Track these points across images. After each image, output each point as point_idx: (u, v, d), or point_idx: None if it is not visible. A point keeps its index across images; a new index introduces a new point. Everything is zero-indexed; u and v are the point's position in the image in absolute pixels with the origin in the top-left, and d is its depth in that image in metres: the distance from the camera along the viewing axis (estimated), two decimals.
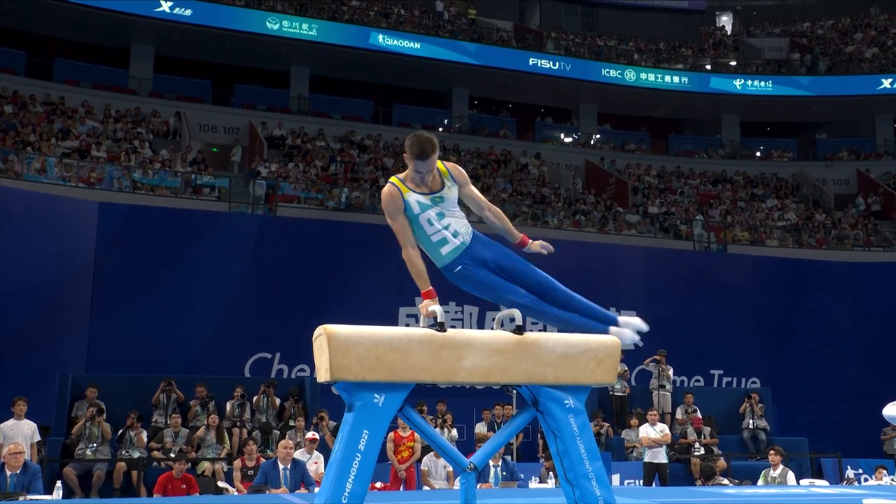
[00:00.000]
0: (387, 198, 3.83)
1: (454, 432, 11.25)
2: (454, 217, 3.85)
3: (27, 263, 11.65)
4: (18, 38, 20.65)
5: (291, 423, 10.73)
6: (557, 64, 24.53)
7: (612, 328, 3.94)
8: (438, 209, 3.81)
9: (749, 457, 12.55)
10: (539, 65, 24.31)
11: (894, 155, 25.33)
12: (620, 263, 15.82)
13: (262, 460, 9.06)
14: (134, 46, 21.81)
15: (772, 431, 13.11)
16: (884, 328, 15.93)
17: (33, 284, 11.70)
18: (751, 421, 12.94)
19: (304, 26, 22.13)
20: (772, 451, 10.10)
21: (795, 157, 26.03)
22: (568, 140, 25.56)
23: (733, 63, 27.32)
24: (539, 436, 11.71)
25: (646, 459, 10.87)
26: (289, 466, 8.42)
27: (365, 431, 3.47)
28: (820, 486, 9.51)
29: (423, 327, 3.66)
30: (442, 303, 3.68)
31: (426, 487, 9.62)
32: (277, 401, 11.19)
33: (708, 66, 26.71)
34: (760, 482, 9.97)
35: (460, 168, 3.95)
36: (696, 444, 11.92)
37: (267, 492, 8.07)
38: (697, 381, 15.27)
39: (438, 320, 3.63)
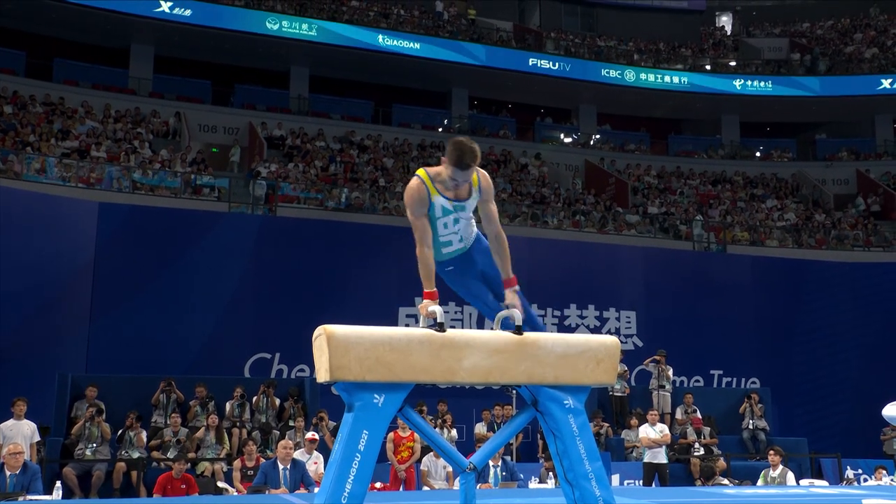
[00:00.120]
0: (414, 194, 3.77)
1: (454, 432, 11.25)
2: (466, 222, 3.88)
3: (27, 263, 11.65)
4: (18, 38, 20.65)
5: (291, 423, 10.73)
6: (557, 64, 24.54)
7: None
8: (456, 215, 3.83)
9: (749, 457, 12.55)
10: (539, 65, 24.32)
11: (894, 155, 25.34)
12: (620, 264, 15.82)
13: (262, 460, 9.06)
14: (134, 46, 21.80)
15: (771, 432, 13.12)
16: (883, 328, 15.93)
17: (33, 284, 11.70)
18: (750, 421, 12.94)
19: (304, 26, 22.14)
20: (771, 452, 10.10)
21: (795, 158, 26.03)
22: (568, 140, 25.56)
23: (733, 63, 27.33)
24: (539, 436, 11.71)
25: (645, 460, 10.87)
26: (288, 467, 8.42)
27: (364, 432, 3.47)
28: (819, 486, 9.51)
29: (423, 327, 3.66)
30: (441, 303, 3.68)
31: (426, 488, 9.62)
32: (277, 401, 11.18)
33: (708, 67, 26.71)
34: (760, 482, 9.97)
35: (490, 182, 3.91)
36: (696, 445, 11.93)
37: (266, 492, 8.07)
38: (697, 381, 15.27)
39: (438, 320, 3.63)
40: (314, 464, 9.06)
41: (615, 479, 10.77)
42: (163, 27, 21.09)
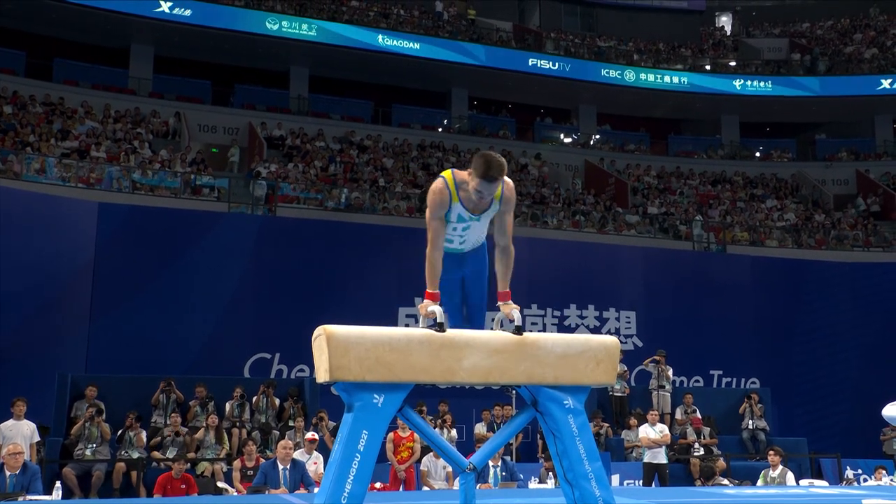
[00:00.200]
0: (436, 195, 3.77)
1: (453, 433, 11.25)
2: (478, 230, 3.91)
3: (27, 264, 11.65)
4: (18, 38, 20.65)
5: (291, 423, 10.73)
6: (557, 64, 24.54)
7: None
8: (469, 223, 3.84)
9: (748, 457, 12.55)
10: (538, 65, 24.32)
11: (894, 155, 25.34)
12: (620, 264, 15.82)
13: (262, 461, 9.06)
14: (133, 47, 21.80)
15: (771, 432, 13.12)
16: (883, 328, 15.93)
17: (33, 285, 11.70)
18: (750, 421, 12.94)
19: (304, 27, 22.14)
20: (771, 452, 10.10)
21: (795, 158, 26.04)
22: (567, 140, 25.57)
23: (733, 63, 27.33)
24: (538, 436, 11.71)
25: (645, 460, 10.87)
26: (288, 467, 8.42)
27: (364, 432, 3.47)
28: (819, 486, 9.51)
29: (423, 328, 3.66)
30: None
31: (426, 488, 9.62)
32: (277, 401, 11.18)
33: (707, 67, 26.72)
34: (760, 482, 9.97)
35: (514, 194, 3.90)
36: (696, 445, 11.93)
37: (266, 492, 8.07)
38: (697, 381, 15.27)
39: (438, 321, 3.63)
40: (314, 464, 9.06)
41: (615, 479, 10.77)
42: (163, 27, 21.08)
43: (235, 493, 8.87)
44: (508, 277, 3.89)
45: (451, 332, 3.65)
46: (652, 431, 10.87)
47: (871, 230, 21.62)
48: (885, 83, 24.96)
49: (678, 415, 12.72)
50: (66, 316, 12.18)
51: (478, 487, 4.64)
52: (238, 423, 10.81)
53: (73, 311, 12.22)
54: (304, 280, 13.31)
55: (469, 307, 4.14)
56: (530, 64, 24.26)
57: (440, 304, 3.72)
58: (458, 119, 24.61)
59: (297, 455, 8.91)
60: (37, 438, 9.16)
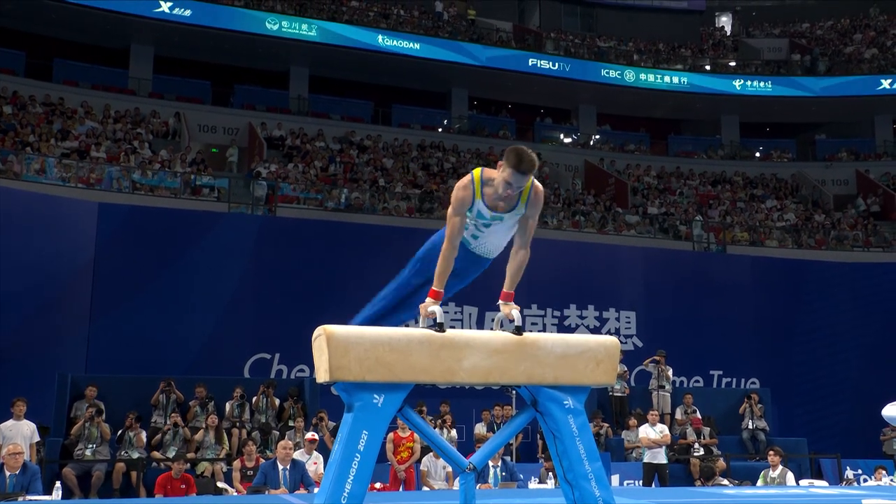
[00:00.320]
0: (460, 192, 3.72)
1: (453, 433, 11.25)
2: (499, 232, 3.82)
3: (27, 264, 11.65)
4: (18, 38, 20.65)
5: (291, 423, 10.73)
6: (557, 64, 24.54)
7: None
8: (490, 221, 3.77)
9: (748, 457, 12.55)
10: (538, 65, 24.32)
11: (893, 156, 25.34)
12: (620, 264, 15.83)
13: (262, 461, 9.05)
14: (133, 47, 21.80)
15: (771, 432, 13.12)
16: (883, 329, 15.94)
17: (33, 285, 11.70)
18: (750, 421, 12.94)
19: (304, 27, 22.14)
20: (771, 452, 10.10)
21: (795, 158, 26.04)
22: (567, 140, 25.56)
23: (733, 63, 27.33)
24: (538, 436, 11.71)
25: (645, 460, 10.87)
26: (288, 467, 8.42)
27: (364, 432, 3.47)
28: (819, 486, 9.50)
29: (423, 328, 3.66)
30: (441, 303, 3.68)
31: (425, 488, 9.62)
32: (277, 401, 11.18)
33: (707, 67, 26.72)
34: (760, 483, 9.97)
35: (541, 199, 3.81)
36: (696, 445, 11.93)
37: (266, 492, 8.07)
38: (697, 381, 15.28)
39: (438, 321, 3.63)
40: (314, 464, 9.06)
41: (615, 479, 10.77)
42: (162, 27, 21.08)
43: (235, 494, 8.87)
44: (517, 281, 3.84)
45: (451, 333, 3.65)
46: (652, 432, 10.87)
47: (870, 230, 21.62)
48: (885, 83, 24.96)
49: (678, 415, 12.72)
50: (66, 316, 12.18)
51: (478, 487, 4.64)
52: (238, 424, 10.81)
53: (73, 311, 12.22)
54: (304, 280, 13.31)
55: (422, 293, 3.90)
56: (530, 64, 24.26)
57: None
58: (458, 119, 24.61)
59: (297, 455, 8.91)
60: (37, 438, 9.16)
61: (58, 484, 7.93)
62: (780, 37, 30.08)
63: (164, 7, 20.74)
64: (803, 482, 10.20)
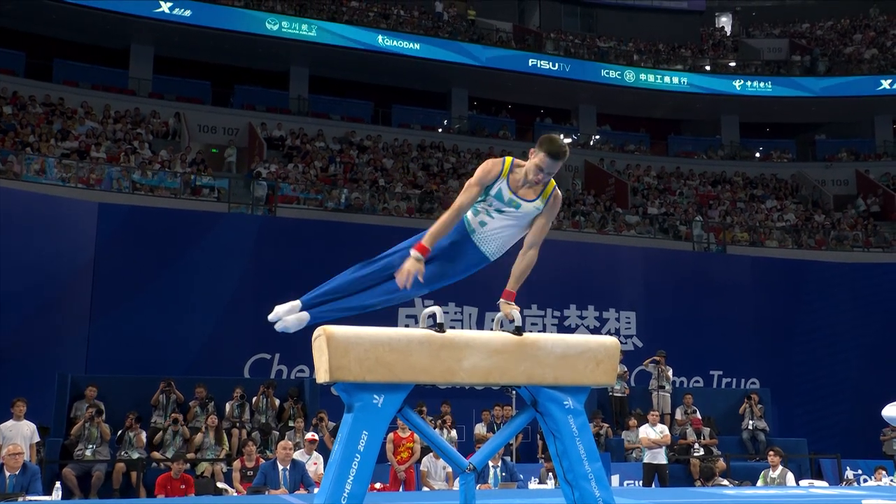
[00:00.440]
0: (488, 165, 3.73)
1: (453, 433, 11.25)
2: (503, 229, 3.75)
3: (27, 264, 11.65)
4: (18, 38, 20.65)
5: (291, 423, 10.73)
6: (557, 65, 24.55)
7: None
8: (505, 206, 3.73)
9: (748, 457, 12.55)
10: (538, 65, 24.33)
11: (893, 156, 25.35)
12: (620, 264, 15.83)
13: (262, 461, 9.05)
14: (133, 47, 21.81)
15: (771, 432, 13.12)
16: (883, 329, 15.94)
17: (33, 285, 11.70)
18: (750, 422, 12.94)
19: (304, 27, 22.14)
20: (771, 452, 10.10)
21: (795, 158, 26.04)
22: (567, 141, 25.51)
23: (732, 64, 27.34)
24: (538, 437, 11.71)
25: (645, 460, 10.87)
26: (288, 467, 8.42)
27: (364, 432, 3.47)
28: (819, 486, 9.51)
29: (423, 328, 3.66)
30: (441, 303, 3.69)
31: (425, 488, 9.62)
32: (277, 401, 11.18)
33: (707, 67, 26.72)
34: (760, 483, 9.97)
35: (558, 205, 3.87)
36: (696, 445, 11.93)
37: (266, 492, 8.07)
38: (697, 381, 15.28)
39: (438, 321, 3.62)
40: (314, 464, 9.06)
41: (615, 479, 10.77)
42: (162, 27, 21.09)
43: (235, 494, 8.87)
44: (521, 281, 3.81)
45: (451, 333, 3.65)
46: (652, 432, 10.87)
47: (870, 231, 21.62)
48: (885, 83, 24.97)
49: (678, 415, 12.72)
50: (66, 316, 12.18)
51: (478, 488, 4.64)
52: (238, 424, 10.81)
53: (73, 311, 12.23)
54: (304, 280, 13.21)
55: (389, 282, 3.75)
56: (530, 64, 24.27)
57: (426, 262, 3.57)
58: (458, 119, 24.61)
59: (297, 455, 8.91)
60: (37, 439, 9.16)
61: (58, 484, 7.93)
62: (780, 37, 30.08)
63: (164, 7, 20.74)
64: (803, 482, 10.20)
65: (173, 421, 10.23)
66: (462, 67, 23.80)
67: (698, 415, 12.61)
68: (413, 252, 3.59)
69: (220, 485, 9.39)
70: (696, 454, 11.76)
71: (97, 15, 20.39)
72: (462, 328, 13.03)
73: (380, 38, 22.91)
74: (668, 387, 13.01)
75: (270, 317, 3.74)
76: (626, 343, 14.63)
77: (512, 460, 10.53)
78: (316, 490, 5.67)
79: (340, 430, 3.62)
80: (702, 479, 10.79)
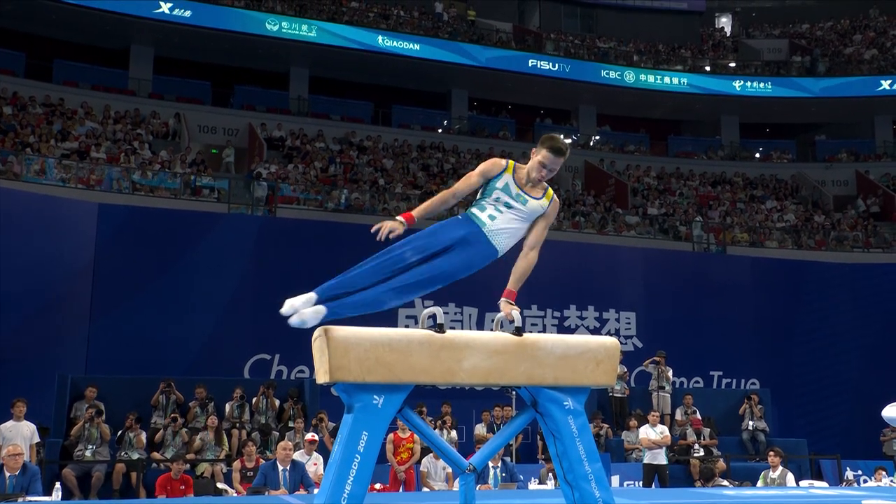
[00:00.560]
0: (492, 160, 3.91)
1: (453, 434, 11.25)
2: (511, 223, 3.81)
3: (27, 264, 11.65)
4: (18, 39, 20.66)
5: (291, 424, 10.73)
6: (557, 65, 24.55)
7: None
8: (510, 200, 3.81)
9: (748, 458, 12.55)
10: (538, 66, 24.33)
11: (893, 156, 25.35)
12: (620, 265, 15.83)
13: (262, 461, 9.05)
14: (133, 47, 21.82)
15: (771, 432, 13.12)
16: (883, 329, 15.94)
17: (33, 285, 11.70)
18: (750, 422, 12.94)
19: (304, 27, 22.14)
20: (771, 453, 10.10)
21: (795, 159, 26.05)
22: (567, 141, 25.48)
23: (732, 64, 27.34)
24: (538, 437, 11.71)
25: (645, 461, 10.87)
26: (288, 468, 8.41)
27: (364, 433, 3.47)
28: (819, 487, 9.51)
29: (423, 329, 3.66)
30: (441, 304, 3.70)
31: (425, 489, 9.62)
32: (277, 402, 11.18)
33: (707, 68, 26.72)
34: (760, 483, 9.97)
35: (557, 209, 3.98)
36: (696, 446, 11.92)
37: (266, 493, 8.06)
38: (697, 382, 15.27)
39: (438, 321, 3.63)
40: (314, 465, 9.06)
41: (615, 480, 10.77)
42: (162, 28, 21.09)
43: (235, 494, 8.87)
44: (522, 281, 3.86)
45: (451, 333, 3.65)
46: (652, 432, 10.87)
47: (870, 231, 21.62)
48: (885, 84, 24.97)
49: (678, 416, 12.72)
50: (66, 316, 12.18)
51: (478, 488, 4.64)
52: (238, 424, 10.80)
53: (73, 311, 12.23)
54: (304, 281, 13.21)
55: (414, 272, 3.70)
56: (530, 65, 24.27)
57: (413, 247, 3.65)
58: (458, 120, 24.61)
59: (297, 456, 8.91)
60: (36, 439, 9.16)
61: (58, 485, 7.93)
62: (780, 37, 30.09)
63: (164, 8, 20.75)
64: (803, 483, 10.20)
65: (172, 419, 10.24)
66: (462, 68, 23.80)
67: (698, 415, 12.61)
68: (399, 218, 3.72)
69: (219, 485, 9.39)
70: (696, 455, 11.76)
71: (97, 15, 20.39)
72: (462, 329, 13.03)
73: (380, 38, 22.91)
74: (668, 387, 13.01)
75: (284, 310, 3.67)
76: (625, 343, 14.62)
77: (512, 461, 10.52)
78: (316, 491, 5.67)
79: (340, 430, 3.63)
80: (702, 480, 10.80)
